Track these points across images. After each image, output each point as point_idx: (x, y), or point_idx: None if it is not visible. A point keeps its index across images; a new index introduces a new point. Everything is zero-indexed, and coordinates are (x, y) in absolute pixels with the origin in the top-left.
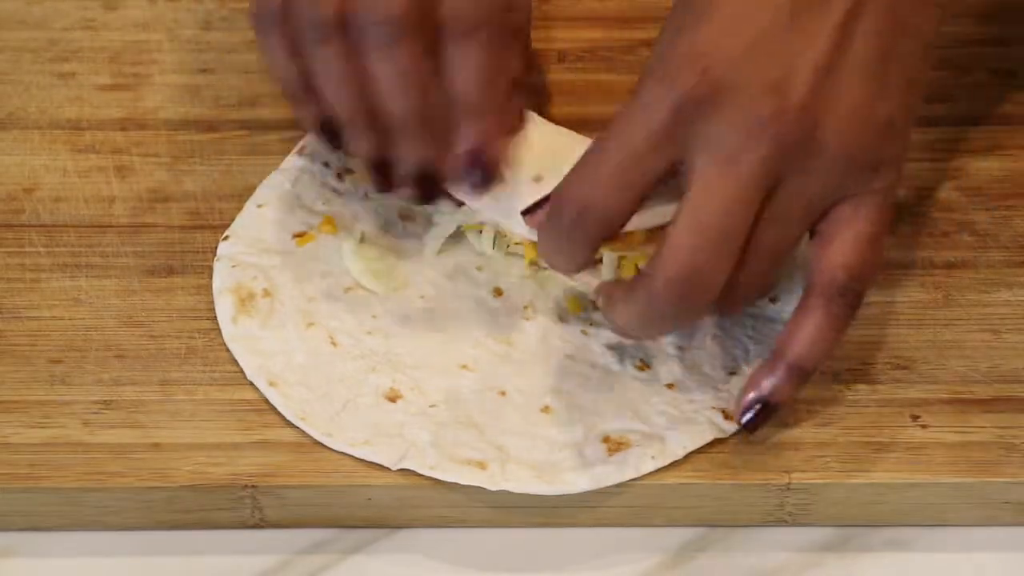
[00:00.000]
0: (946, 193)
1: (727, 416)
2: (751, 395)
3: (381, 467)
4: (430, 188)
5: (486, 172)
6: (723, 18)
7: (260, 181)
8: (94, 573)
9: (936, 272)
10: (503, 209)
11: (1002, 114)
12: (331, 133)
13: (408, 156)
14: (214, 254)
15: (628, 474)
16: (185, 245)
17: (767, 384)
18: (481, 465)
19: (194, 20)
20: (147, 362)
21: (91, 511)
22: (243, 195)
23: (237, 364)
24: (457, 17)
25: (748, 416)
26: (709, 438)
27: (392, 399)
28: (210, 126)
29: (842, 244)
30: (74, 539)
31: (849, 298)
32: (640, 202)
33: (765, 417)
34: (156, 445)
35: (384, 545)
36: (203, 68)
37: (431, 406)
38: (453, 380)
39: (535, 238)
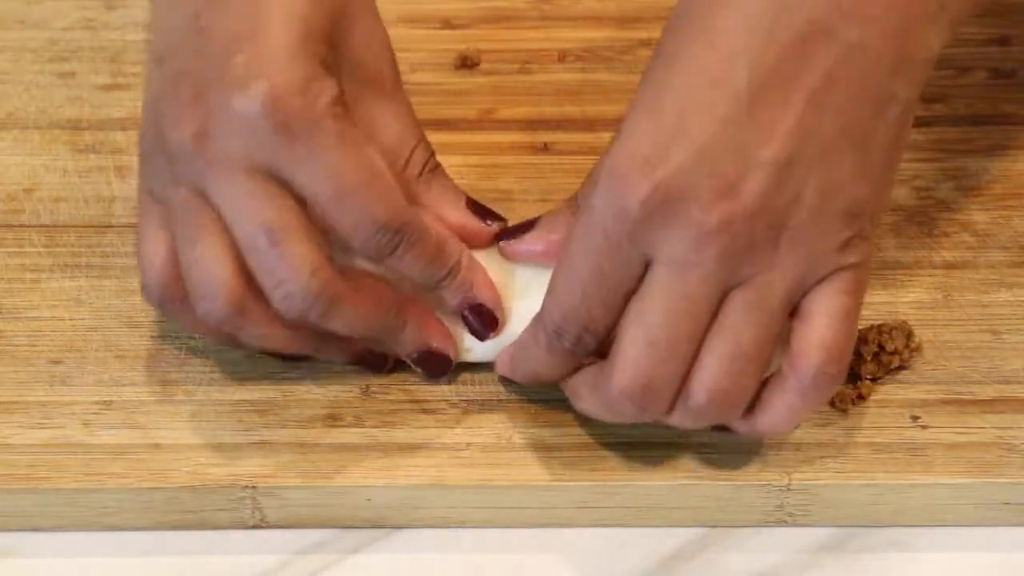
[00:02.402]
0: (946, 193)
1: None
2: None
3: (381, 468)
4: (440, 367)
5: (490, 317)
6: (675, 113)
7: None
8: (94, 573)
9: (936, 272)
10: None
11: (1002, 114)
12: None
13: (406, 347)
14: None
15: None
16: None
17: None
18: None
19: None
20: (147, 362)
21: (91, 511)
22: None
23: (240, 364)
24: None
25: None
26: None
27: None
28: None
29: (819, 323)
30: (74, 539)
31: (825, 379)
32: (622, 307)
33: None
34: (156, 445)
35: (384, 545)
36: None
37: None
38: None
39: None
